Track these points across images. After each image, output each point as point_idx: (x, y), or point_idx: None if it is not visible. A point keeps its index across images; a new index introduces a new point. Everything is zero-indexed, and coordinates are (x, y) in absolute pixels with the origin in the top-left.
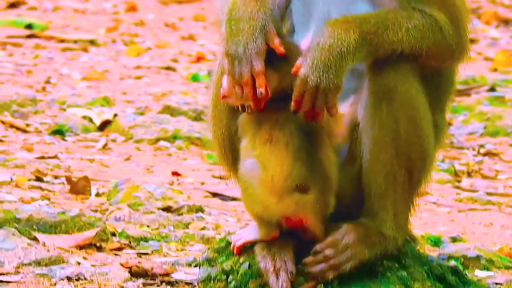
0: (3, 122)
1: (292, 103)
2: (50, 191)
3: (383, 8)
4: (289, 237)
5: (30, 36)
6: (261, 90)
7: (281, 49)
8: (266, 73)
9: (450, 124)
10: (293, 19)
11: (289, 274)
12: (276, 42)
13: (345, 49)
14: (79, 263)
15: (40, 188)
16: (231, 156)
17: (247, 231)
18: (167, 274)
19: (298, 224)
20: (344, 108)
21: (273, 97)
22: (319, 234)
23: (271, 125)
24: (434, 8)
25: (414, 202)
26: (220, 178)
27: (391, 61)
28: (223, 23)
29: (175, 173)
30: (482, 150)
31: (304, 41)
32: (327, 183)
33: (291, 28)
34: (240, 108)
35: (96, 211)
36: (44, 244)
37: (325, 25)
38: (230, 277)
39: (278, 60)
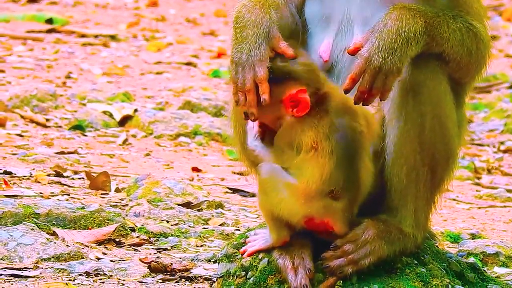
0: (23, 117)
1: (348, 81)
2: (69, 186)
3: None
4: (306, 235)
5: (50, 31)
6: (264, 97)
7: (290, 53)
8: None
9: (470, 121)
10: (308, 23)
11: (307, 271)
12: (282, 47)
13: (412, 34)
14: (98, 259)
15: (60, 183)
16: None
17: (258, 239)
18: (186, 270)
19: (320, 226)
20: (373, 106)
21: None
22: (342, 235)
23: (316, 133)
24: (472, 18)
25: (436, 200)
26: (240, 174)
27: (422, 56)
28: (231, 31)
29: (195, 169)
30: (502, 147)
31: (322, 45)
32: (358, 193)
33: (305, 31)
34: (244, 116)
35: (115, 206)
36: (63, 239)
37: (392, 8)
38: (249, 273)
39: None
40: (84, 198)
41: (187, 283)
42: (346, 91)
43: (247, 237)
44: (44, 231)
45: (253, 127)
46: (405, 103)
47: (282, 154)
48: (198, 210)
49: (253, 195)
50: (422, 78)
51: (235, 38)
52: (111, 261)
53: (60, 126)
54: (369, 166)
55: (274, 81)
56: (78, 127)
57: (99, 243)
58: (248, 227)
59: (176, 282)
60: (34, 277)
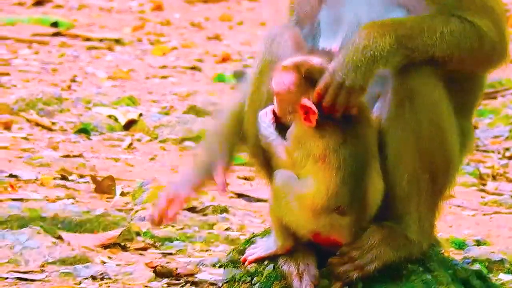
0: (28, 120)
1: (314, 94)
2: (75, 190)
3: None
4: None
5: (56, 34)
6: None
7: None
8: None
9: (475, 127)
10: (321, 26)
11: (312, 278)
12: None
13: (378, 53)
14: (104, 263)
15: (65, 187)
16: (263, 155)
17: (260, 245)
18: (192, 275)
19: (327, 241)
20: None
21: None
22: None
23: (327, 144)
24: (474, 14)
25: (439, 206)
26: (245, 179)
27: (416, 63)
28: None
29: None
30: (507, 154)
31: (332, 48)
32: (365, 210)
33: (318, 35)
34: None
35: (121, 210)
36: (69, 243)
37: (362, 27)
38: (255, 278)
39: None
40: (89, 202)
41: (193, 287)
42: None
43: (253, 243)
44: (50, 234)
45: (266, 114)
46: (401, 111)
47: (292, 152)
48: (203, 215)
49: (258, 200)
50: (416, 84)
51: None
52: (117, 265)
53: (65, 130)
54: (377, 184)
55: (306, 81)
56: (84, 131)
57: (105, 247)
58: (253, 232)
59: (181, 286)
60: (40, 280)
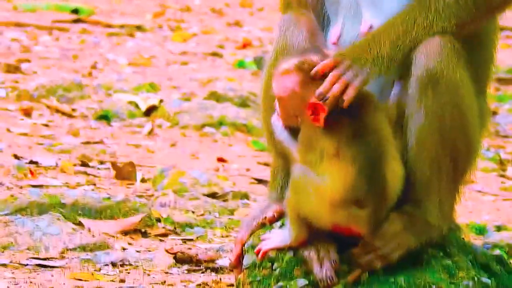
0: (49, 107)
1: (313, 71)
2: (95, 176)
3: None
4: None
5: (76, 21)
6: None
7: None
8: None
9: (495, 113)
10: (326, 10)
11: (332, 263)
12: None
13: (378, 64)
14: (124, 249)
15: (86, 173)
16: (279, 146)
17: (274, 236)
18: (212, 261)
19: (346, 231)
20: (389, 100)
21: (333, 111)
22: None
23: (338, 140)
24: None
25: (459, 191)
26: (266, 164)
27: (436, 45)
28: None
29: (221, 159)
30: None
31: (333, 29)
32: (385, 199)
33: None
34: None
35: (141, 196)
36: (89, 230)
37: (361, 38)
38: (275, 264)
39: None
40: (110, 188)
41: (213, 274)
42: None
43: (272, 228)
44: (70, 221)
45: (277, 119)
46: (424, 97)
47: (305, 155)
48: (224, 201)
49: None
50: (438, 69)
51: None
52: (137, 251)
53: (86, 116)
54: (397, 170)
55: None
56: (104, 117)
57: (125, 233)
58: None
59: (202, 272)
60: (60, 267)
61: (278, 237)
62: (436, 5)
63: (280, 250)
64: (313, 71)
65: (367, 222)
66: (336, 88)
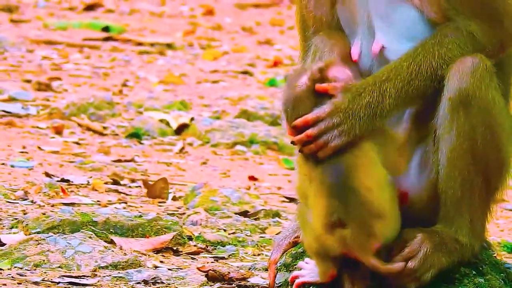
0: (80, 125)
1: (299, 120)
2: (127, 194)
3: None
4: None
5: (107, 39)
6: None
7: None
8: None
9: None
10: (344, 27)
11: (364, 281)
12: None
13: (379, 111)
14: (156, 267)
15: (117, 191)
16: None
17: (307, 270)
18: (244, 279)
19: (352, 256)
20: (400, 128)
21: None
22: (372, 266)
23: (309, 164)
24: (468, 15)
25: (491, 209)
26: None
27: (468, 65)
28: None
29: (252, 178)
30: None
31: (353, 47)
32: (367, 216)
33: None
34: None
35: (173, 215)
36: (121, 248)
37: (364, 81)
38: None
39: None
40: (141, 207)
41: None
42: (294, 128)
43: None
44: (101, 239)
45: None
46: (456, 118)
47: (301, 181)
48: (255, 219)
49: None
50: (471, 90)
51: None
52: (169, 269)
53: (117, 134)
54: (377, 177)
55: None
56: (135, 135)
57: (157, 251)
58: None
59: None
60: (92, 285)
61: (311, 272)
62: (440, 51)
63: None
64: (294, 122)
65: (354, 242)
66: (309, 147)
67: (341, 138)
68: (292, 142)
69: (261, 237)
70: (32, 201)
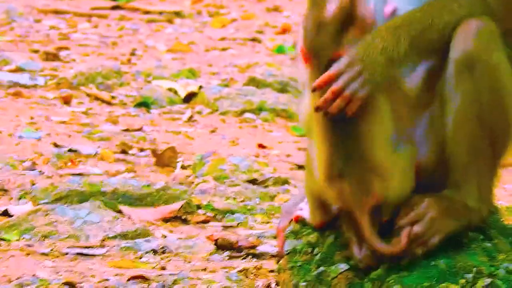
0: (88, 95)
1: (314, 83)
2: (135, 164)
3: None
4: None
5: (115, 8)
6: None
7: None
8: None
9: None
10: None
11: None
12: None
13: (395, 56)
14: (164, 236)
15: (126, 161)
16: None
17: (306, 209)
18: (253, 247)
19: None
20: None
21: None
22: (365, 227)
23: (313, 114)
24: None
25: (498, 173)
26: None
27: (473, 28)
28: None
29: (261, 145)
30: None
31: (369, 6)
32: (367, 172)
33: None
34: None
35: (181, 184)
36: (129, 217)
37: (377, 30)
38: (316, 249)
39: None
40: (150, 176)
41: (254, 260)
42: (313, 91)
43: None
44: (110, 209)
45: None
46: (461, 79)
47: (307, 121)
48: (264, 187)
49: None
50: (475, 53)
51: None
52: (178, 238)
53: (125, 103)
54: (378, 141)
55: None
56: (143, 104)
57: (166, 220)
58: None
59: (243, 259)
60: (100, 255)
61: (307, 211)
62: (452, 6)
63: (321, 234)
64: (314, 84)
65: (352, 196)
66: (337, 103)
67: (366, 87)
68: (317, 109)
69: (270, 205)
70: (40, 172)
